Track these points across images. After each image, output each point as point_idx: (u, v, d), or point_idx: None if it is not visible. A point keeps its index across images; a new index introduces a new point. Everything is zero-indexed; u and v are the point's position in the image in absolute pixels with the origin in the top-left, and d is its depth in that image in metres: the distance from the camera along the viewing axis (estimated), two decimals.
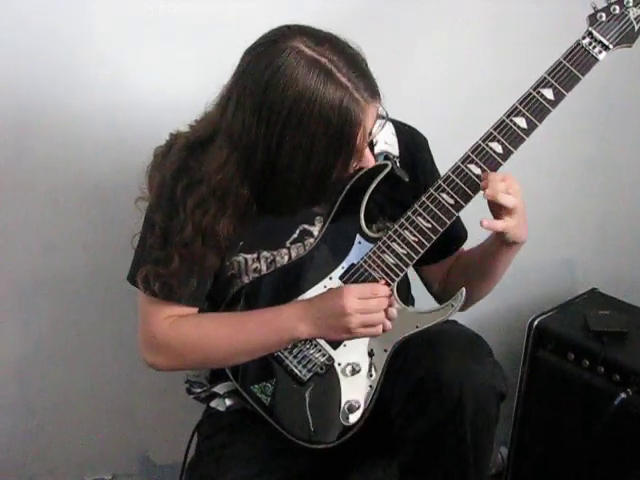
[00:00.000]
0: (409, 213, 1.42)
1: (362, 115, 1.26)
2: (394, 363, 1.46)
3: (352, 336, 1.42)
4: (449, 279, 1.63)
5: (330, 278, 1.47)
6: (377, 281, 1.42)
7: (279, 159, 1.27)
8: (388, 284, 1.42)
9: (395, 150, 1.54)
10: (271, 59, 1.25)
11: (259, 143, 1.27)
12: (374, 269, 1.43)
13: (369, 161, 1.38)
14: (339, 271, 1.47)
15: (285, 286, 1.49)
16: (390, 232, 1.43)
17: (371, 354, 1.46)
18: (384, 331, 1.43)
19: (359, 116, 1.26)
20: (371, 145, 1.49)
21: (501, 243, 1.43)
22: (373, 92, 1.29)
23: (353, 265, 1.45)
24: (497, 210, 1.39)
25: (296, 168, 1.28)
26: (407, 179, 1.49)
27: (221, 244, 1.39)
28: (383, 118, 1.38)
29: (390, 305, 1.42)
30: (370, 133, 1.33)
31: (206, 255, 1.38)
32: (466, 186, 1.38)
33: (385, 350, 1.45)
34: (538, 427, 2.11)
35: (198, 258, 1.38)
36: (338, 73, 1.24)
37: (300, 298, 1.47)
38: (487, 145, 1.37)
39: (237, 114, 1.28)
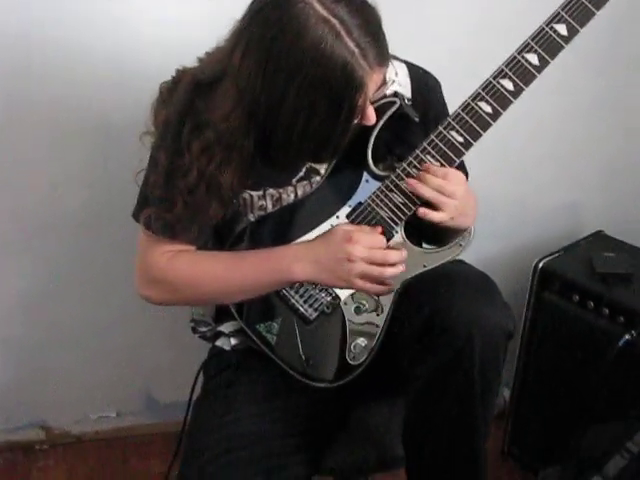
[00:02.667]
0: (418, 151, 1.39)
1: (365, 80, 1.24)
2: (401, 302, 1.45)
3: (348, 285, 1.41)
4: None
5: (337, 217, 1.46)
6: (385, 220, 1.41)
7: (281, 115, 1.25)
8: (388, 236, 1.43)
9: (408, 92, 1.50)
10: (281, 13, 1.20)
11: (262, 97, 1.25)
12: (381, 208, 1.41)
13: (370, 119, 1.34)
14: (346, 209, 1.45)
15: (291, 224, 1.47)
16: (398, 170, 1.41)
17: None
18: (378, 295, 1.45)
19: (362, 81, 1.23)
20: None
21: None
22: (382, 59, 1.26)
23: (360, 204, 1.44)
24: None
25: (297, 126, 1.26)
26: (417, 119, 1.46)
27: (224, 195, 1.38)
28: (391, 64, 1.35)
29: (393, 264, 1.39)
30: (383, 83, 1.32)
31: (210, 203, 1.37)
32: (476, 124, 1.35)
33: (393, 290, 1.42)
34: (541, 369, 2.11)
35: (201, 206, 1.37)
36: (347, 37, 1.20)
37: (306, 237, 1.46)
38: (498, 82, 1.33)
39: (243, 63, 1.25)
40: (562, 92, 2.15)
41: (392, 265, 1.40)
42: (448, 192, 1.37)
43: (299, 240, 1.47)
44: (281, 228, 1.48)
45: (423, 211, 1.38)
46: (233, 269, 1.45)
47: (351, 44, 1.21)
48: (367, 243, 1.38)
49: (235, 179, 1.37)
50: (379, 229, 1.43)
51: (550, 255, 2.10)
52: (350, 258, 1.37)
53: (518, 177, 2.28)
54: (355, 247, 1.37)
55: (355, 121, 1.33)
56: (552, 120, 2.24)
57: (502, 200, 2.23)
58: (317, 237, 1.44)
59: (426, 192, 1.37)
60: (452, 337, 1.32)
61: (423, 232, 1.52)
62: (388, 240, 1.43)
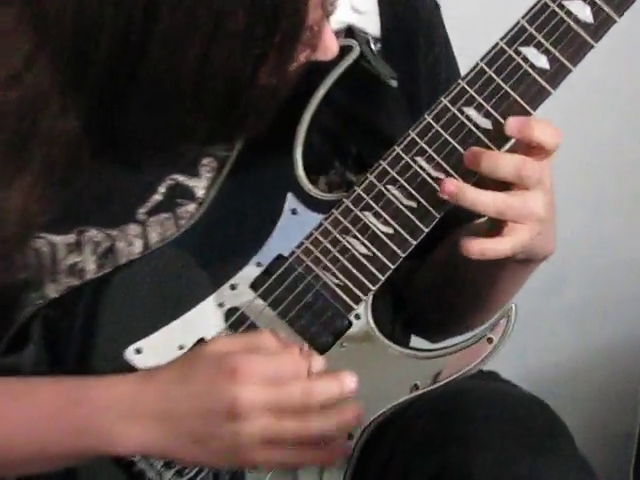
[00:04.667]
0: (398, 149, 1.26)
1: None
2: (370, 460, 1.32)
3: (239, 464, 1.28)
4: (415, 286, 1.51)
5: (232, 287, 1.31)
6: (331, 294, 1.31)
7: (146, 56, 1.16)
8: (322, 349, 1.30)
9: (373, 25, 1.42)
10: None
11: (101, 23, 1.15)
12: (326, 268, 1.30)
13: (328, 49, 1.24)
14: (251, 271, 1.30)
15: (134, 308, 1.33)
16: (359, 190, 1.28)
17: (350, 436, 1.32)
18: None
19: None
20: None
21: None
22: None
23: (281, 260, 1.30)
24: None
25: (184, 71, 1.17)
26: (394, 80, 1.35)
27: (9, 238, 1.26)
28: None
29: (330, 397, 1.23)
30: None
31: None
32: (516, 92, 1.26)
33: (351, 436, 1.32)
34: None
35: None
36: None
37: (166, 331, 1.33)
38: (560, 5, 1.25)
39: None
40: None
41: (329, 410, 1.23)
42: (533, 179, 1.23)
43: (143, 351, 1.33)
44: (114, 317, 1.33)
45: (467, 245, 1.24)
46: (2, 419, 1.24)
47: None
48: (264, 371, 1.21)
49: (32, 199, 1.24)
50: (301, 348, 1.27)
51: None
52: (236, 410, 1.20)
53: (603, 215, 2.34)
54: (245, 387, 1.19)
55: (299, 58, 1.23)
56: None
57: (579, 258, 2.26)
58: (171, 364, 1.26)
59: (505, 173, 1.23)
60: None
61: (412, 307, 1.44)
62: (324, 349, 1.31)
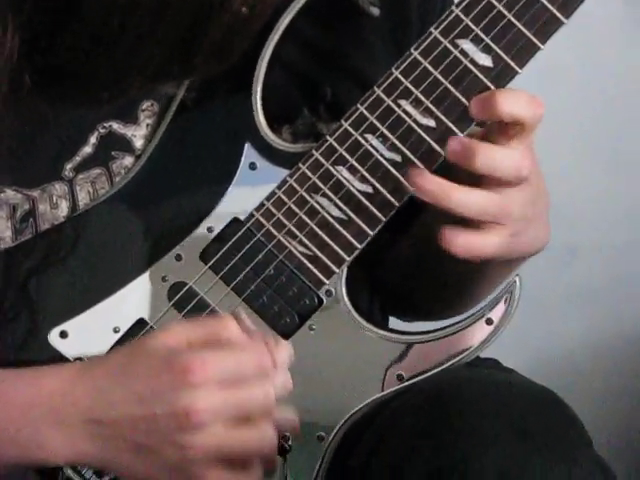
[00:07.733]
0: (379, 91, 1.17)
1: None
2: (345, 465, 1.24)
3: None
4: (393, 260, 1.42)
5: (177, 257, 1.21)
6: (297, 264, 1.21)
7: None
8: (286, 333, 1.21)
9: None
10: None
11: None
12: (292, 235, 1.21)
13: None
14: (200, 238, 1.22)
15: (58, 283, 1.24)
16: (331, 139, 1.18)
17: (285, 451, 1.23)
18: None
19: None
20: None
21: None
22: None
23: (237, 224, 1.21)
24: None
25: None
26: (376, 9, 1.26)
27: None
28: None
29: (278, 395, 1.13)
30: None
31: None
32: (522, 22, 1.16)
33: (320, 438, 1.21)
34: None
35: None
36: None
37: (96, 310, 1.23)
38: None
39: None
40: None
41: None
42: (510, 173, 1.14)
43: (70, 335, 1.23)
44: (28, 294, 1.24)
45: (450, 238, 1.14)
46: None
47: None
48: (229, 371, 1.11)
49: None
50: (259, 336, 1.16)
51: None
52: (189, 418, 1.09)
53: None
54: (201, 391, 1.09)
55: None
56: None
57: (593, 225, 2.29)
58: (111, 356, 1.19)
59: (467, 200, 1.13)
60: None
61: (392, 286, 1.39)
62: (289, 332, 1.21)
